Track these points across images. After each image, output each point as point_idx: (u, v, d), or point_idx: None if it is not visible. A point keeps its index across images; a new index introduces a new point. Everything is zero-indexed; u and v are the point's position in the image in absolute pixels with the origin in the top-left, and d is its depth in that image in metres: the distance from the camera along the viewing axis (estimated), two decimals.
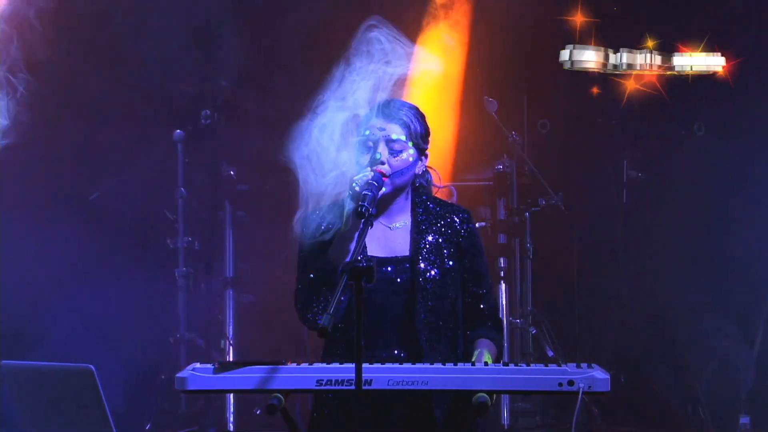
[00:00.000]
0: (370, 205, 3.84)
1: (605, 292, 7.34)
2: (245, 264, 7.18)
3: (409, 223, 4.18)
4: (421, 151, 4.16)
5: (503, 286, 6.80)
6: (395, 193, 4.12)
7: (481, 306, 4.18)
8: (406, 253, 4.12)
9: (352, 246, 3.92)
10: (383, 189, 4.01)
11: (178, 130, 6.96)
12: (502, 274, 6.82)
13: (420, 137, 4.14)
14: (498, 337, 4.19)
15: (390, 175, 4.05)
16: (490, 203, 7.01)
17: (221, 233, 7.07)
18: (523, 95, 7.29)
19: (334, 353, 4.04)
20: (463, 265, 4.15)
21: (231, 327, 7.00)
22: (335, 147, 4.07)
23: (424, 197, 4.22)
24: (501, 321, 4.21)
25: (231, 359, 6.79)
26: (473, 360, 3.97)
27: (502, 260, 6.84)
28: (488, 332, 4.16)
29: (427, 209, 4.19)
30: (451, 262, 4.14)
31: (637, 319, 7.22)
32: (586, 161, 7.37)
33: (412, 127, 4.11)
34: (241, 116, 7.28)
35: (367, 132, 4.09)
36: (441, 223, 4.18)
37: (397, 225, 4.18)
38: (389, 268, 4.10)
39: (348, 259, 3.81)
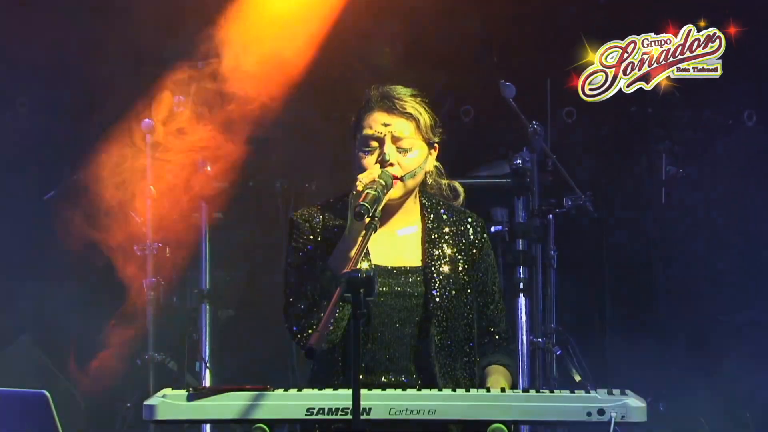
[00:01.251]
0: (372, 205, 3.85)
1: (639, 306, 7.32)
2: (224, 274, 7.18)
3: (419, 230, 4.20)
4: (431, 145, 4.18)
5: (522, 299, 6.77)
6: (406, 196, 4.14)
7: (492, 330, 4.23)
8: (417, 263, 4.16)
9: (353, 253, 3.90)
10: (395, 192, 4.04)
11: (146, 119, 6.94)
12: (521, 286, 6.79)
13: (429, 129, 4.16)
14: (513, 364, 4.22)
15: (402, 177, 4.07)
16: (507, 204, 6.99)
17: (196, 238, 7.06)
18: (545, 79, 7.28)
19: (330, 378, 4.05)
20: (474, 281, 4.18)
21: (207, 347, 6.98)
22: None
23: (433, 200, 4.25)
24: (515, 349, 4.20)
25: (207, 384, 6.78)
26: (487, 386, 3.99)
27: (521, 270, 6.83)
28: (500, 358, 4.20)
29: (438, 215, 4.22)
30: (466, 278, 4.17)
31: (678, 339, 7.22)
32: (619, 155, 7.36)
33: (420, 119, 4.13)
34: (220, 102, 7.27)
35: (370, 131, 4.10)
36: (454, 232, 4.21)
37: (405, 232, 4.20)
38: (397, 280, 4.11)
39: (346, 269, 3.77)
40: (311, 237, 4.14)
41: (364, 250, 3.84)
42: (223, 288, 7.17)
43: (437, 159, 4.25)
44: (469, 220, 4.24)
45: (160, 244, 6.99)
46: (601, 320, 7.07)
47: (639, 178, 7.31)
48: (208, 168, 6.97)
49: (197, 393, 3.62)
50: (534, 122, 6.88)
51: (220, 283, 7.13)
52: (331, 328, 3.99)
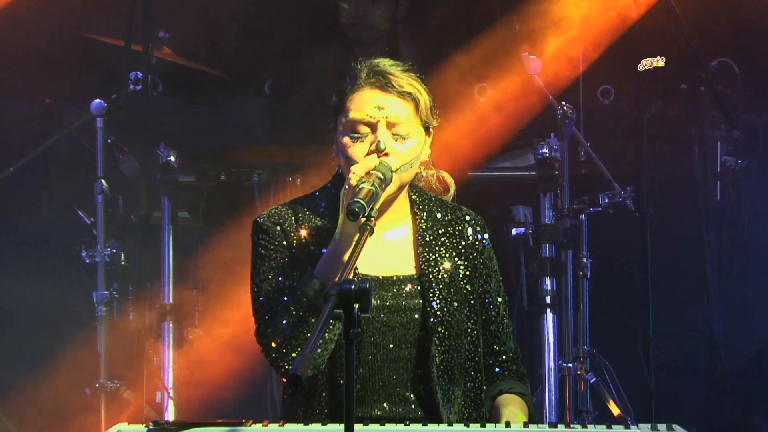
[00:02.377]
0: (368, 203, 3.85)
1: (692, 326, 7.35)
2: (190, 286, 7.14)
3: (410, 232, 4.24)
4: (427, 130, 4.22)
5: (549, 316, 6.76)
6: (400, 190, 4.16)
7: (498, 349, 4.27)
8: (411, 271, 4.21)
9: (343, 261, 3.94)
10: (390, 187, 4.05)
11: (97, 100, 6.92)
12: (548, 300, 6.77)
13: (429, 111, 4.19)
14: (527, 392, 4.25)
15: (398, 169, 4.08)
16: (531, 202, 6.98)
17: (157, 243, 7.02)
18: (578, 51, 7.24)
19: (311, 410, 4.08)
20: (476, 291, 4.22)
21: (170, 373, 6.95)
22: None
23: (424, 196, 4.28)
24: (525, 372, 4.30)
25: (170, 418, 6.75)
26: (506, 420, 4.01)
27: (547, 281, 6.81)
28: (513, 386, 4.23)
29: (431, 213, 4.25)
30: (468, 286, 4.23)
31: (738, 363, 7.23)
32: (666, 142, 7.33)
33: (420, 99, 4.15)
34: (187, 80, 7.28)
35: (360, 114, 4.09)
36: (451, 233, 4.25)
37: (394, 235, 4.24)
38: (389, 291, 4.14)
39: (337, 279, 3.80)
40: (284, 243, 4.15)
41: (358, 257, 3.81)
42: (190, 303, 7.12)
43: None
44: (467, 218, 4.28)
45: (113, 250, 6.97)
46: (644, 341, 7.01)
47: (690, 170, 7.33)
48: (172, 158, 6.96)
49: (159, 428, 3.62)
50: (564, 103, 6.86)
51: (186, 297, 7.10)
52: (319, 351, 4.00)
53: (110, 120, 6.96)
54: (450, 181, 4.37)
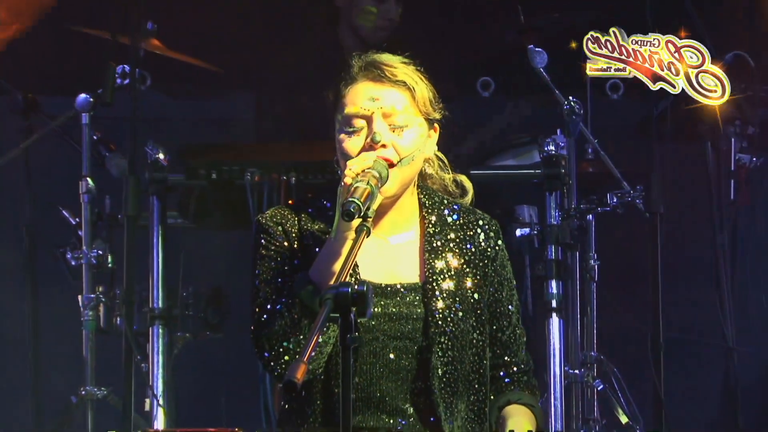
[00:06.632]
0: (364, 202, 3.94)
1: (704, 331, 7.42)
2: (180, 289, 7.18)
3: (417, 237, 4.33)
4: (430, 124, 4.30)
5: (555, 321, 6.73)
6: (401, 188, 4.25)
7: (509, 360, 4.37)
8: (415, 279, 4.28)
9: (339, 262, 4.02)
10: (390, 186, 4.13)
11: (82, 95, 6.96)
12: (553, 304, 6.75)
13: (429, 103, 4.26)
14: (536, 404, 4.36)
15: (398, 161, 4.17)
16: (536, 201, 7.06)
17: (145, 244, 7.06)
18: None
19: (306, 418, 4.20)
20: (485, 300, 4.32)
21: (159, 380, 6.99)
22: None
23: (435, 198, 4.36)
24: (536, 384, 4.41)
25: (160, 426, 6.80)
26: (510, 430, 4.17)
27: (553, 284, 6.77)
28: (521, 396, 4.34)
29: (441, 217, 4.34)
30: (476, 295, 4.30)
31: (750, 370, 7.28)
32: (677, 139, 7.38)
33: (416, 88, 4.23)
34: (177, 73, 7.38)
35: (354, 107, 4.19)
36: (461, 239, 4.33)
37: (400, 239, 4.34)
38: (391, 300, 4.25)
39: (333, 282, 3.94)
40: (285, 244, 4.25)
41: (354, 259, 3.90)
42: (180, 306, 7.15)
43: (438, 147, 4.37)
44: (480, 222, 4.35)
45: (100, 251, 7.00)
46: (654, 346, 7.01)
47: (703, 168, 7.33)
48: (161, 155, 7.00)
49: None
50: (571, 98, 6.73)
51: (176, 301, 7.12)
52: (313, 354, 3.99)
53: (96, 116, 6.95)
54: (468, 185, 4.42)
